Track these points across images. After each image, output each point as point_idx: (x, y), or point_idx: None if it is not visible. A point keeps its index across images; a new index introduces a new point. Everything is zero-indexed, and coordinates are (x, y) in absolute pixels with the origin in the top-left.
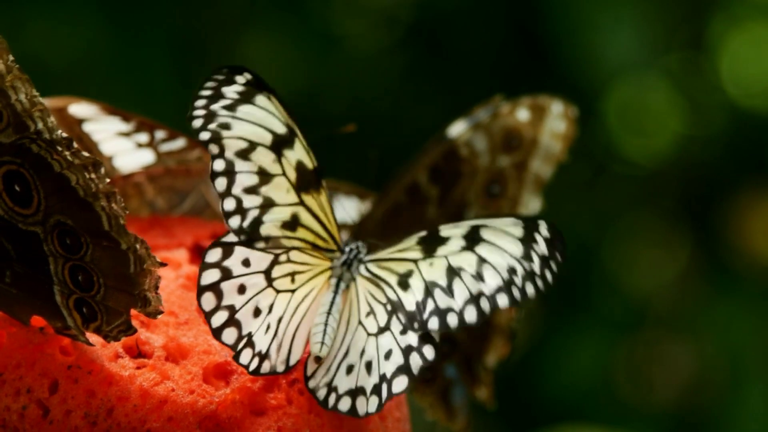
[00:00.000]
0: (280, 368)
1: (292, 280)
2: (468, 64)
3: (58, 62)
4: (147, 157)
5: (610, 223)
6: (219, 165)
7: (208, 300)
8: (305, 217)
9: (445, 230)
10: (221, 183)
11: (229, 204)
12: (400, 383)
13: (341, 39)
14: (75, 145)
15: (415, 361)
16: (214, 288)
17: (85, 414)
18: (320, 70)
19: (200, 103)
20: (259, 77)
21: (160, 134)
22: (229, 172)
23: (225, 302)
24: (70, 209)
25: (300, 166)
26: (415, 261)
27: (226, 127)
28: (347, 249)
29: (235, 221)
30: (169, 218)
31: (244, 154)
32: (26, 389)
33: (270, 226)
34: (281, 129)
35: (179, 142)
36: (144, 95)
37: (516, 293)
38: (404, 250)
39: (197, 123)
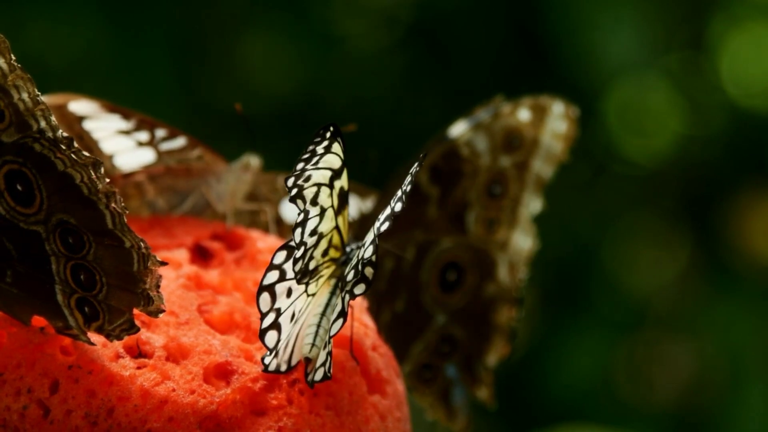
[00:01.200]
0: (283, 367)
1: (316, 284)
2: (468, 64)
3: (58, 62)
4: (147, 156)
5: (610, 223)
6: (299, 218)
7: (265, 300)
8: (336, 239)
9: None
10: (297, 233)
11: (299, 252)
12: (337, 325)
13: (341, 39)
14: (76, 144)
15: (347, 301)
16: (270, 289)
17: (86, 414)
18: (320, 70)
19: (298, 165)
20: (337, 127)
21: (160, 132)
22: (304, 221)
23: (276, 305)
24: (73, 208)
25: (341, 191)
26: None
27: (307, 179)
28: (348, 249)
29: (298, 265)
30: (169, 218)
31: (314, 200)
32: (27, 389)
33: (317, 259)
34: (338, 164)
35: (179, 141)
36: (144, 95)
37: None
38: None
39: (289, 182)
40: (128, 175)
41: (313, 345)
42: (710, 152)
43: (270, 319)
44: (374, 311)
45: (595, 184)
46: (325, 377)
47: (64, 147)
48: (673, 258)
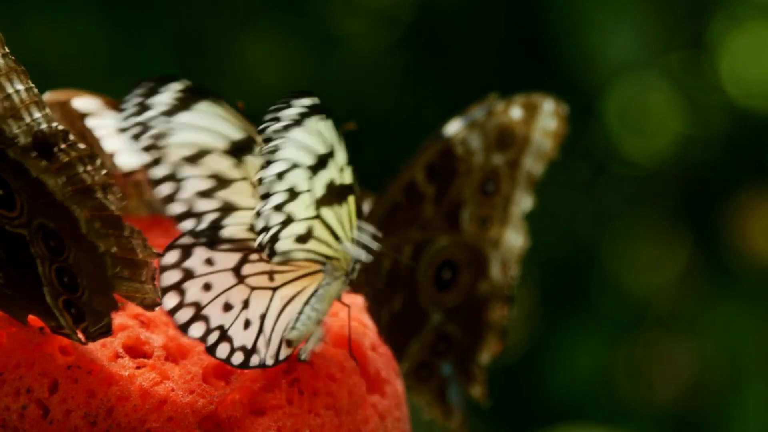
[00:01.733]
0: (270, 362)
1: (271, 278)
2: (468, 64)
3: (58, 62)
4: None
5: (610, 223)
6: (161, 171)
7: (172, 298)
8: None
9: None
10: (166, 188)
11: (178, 208)
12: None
13: (341, 39)
14: (71, 137)
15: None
16: (177, 287)
17: (85, 414)
18: (320, 70)
19: (127, 114)
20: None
21: None
22: (174, 177)
23: (189, 299)
24: (50, 212)
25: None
26: None
27: (164, 135)
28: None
29: (188, 224)
30: (169, 218)
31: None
32: (26, 389)
33: (234, 230)
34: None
35: None
36: None
37: None
38: None
39: (132, 132)
40: (128, 174)
41: (294, 328)
42: (710, 152)
43: (187, 313)
44: (374, 311)
45: (595, 184)
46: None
47: (34, 153)
48: (673, 258)
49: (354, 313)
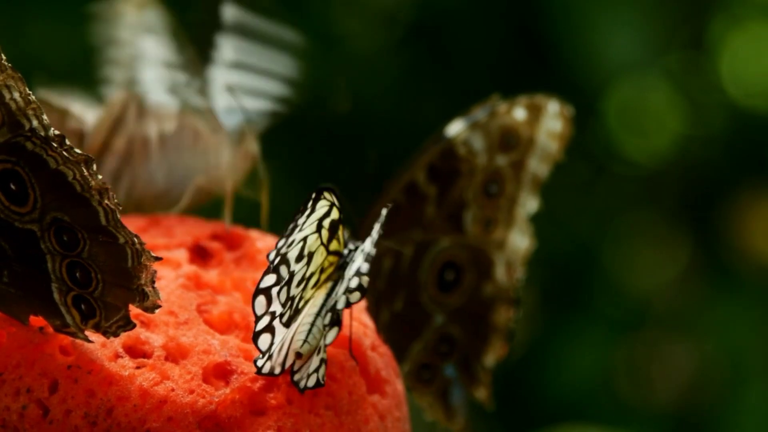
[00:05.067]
0: (277, 370)
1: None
2: (468, 63)
3: (58, 62)
4: (171, 101)
5: (610, 223)
6: (270, 280)
7: (261, 303)
8: (330, 258)
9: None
10: (283, 294)
11: (284, 309)
12: (332, 335)
13: (341, 39)
14: (67, 142)
15: (341, 309)
16: (267, 292)
17: (85, 414)
18: (320, 69)
19: (279, 243)
20: (321, 188)
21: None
22: (289, 281)
23: (270, 308)
24: (67, 205)
25: (332, 224)
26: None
27: (290, 244)
28: (345, 252)
29: (285, 317)
30: (169, 218)
31: (299, 256)
32: (26, 389)
33: (308, 289)
34: (325, 208)
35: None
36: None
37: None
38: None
39: (271, 256)
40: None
41: (305, 342)
42: (710, 152)
43: (264, 321)
44: (373, 311)
45: (595, 184)
46: (318, 384)
47: (55, 144)
48: (673, 258)
49: (354, 313)
